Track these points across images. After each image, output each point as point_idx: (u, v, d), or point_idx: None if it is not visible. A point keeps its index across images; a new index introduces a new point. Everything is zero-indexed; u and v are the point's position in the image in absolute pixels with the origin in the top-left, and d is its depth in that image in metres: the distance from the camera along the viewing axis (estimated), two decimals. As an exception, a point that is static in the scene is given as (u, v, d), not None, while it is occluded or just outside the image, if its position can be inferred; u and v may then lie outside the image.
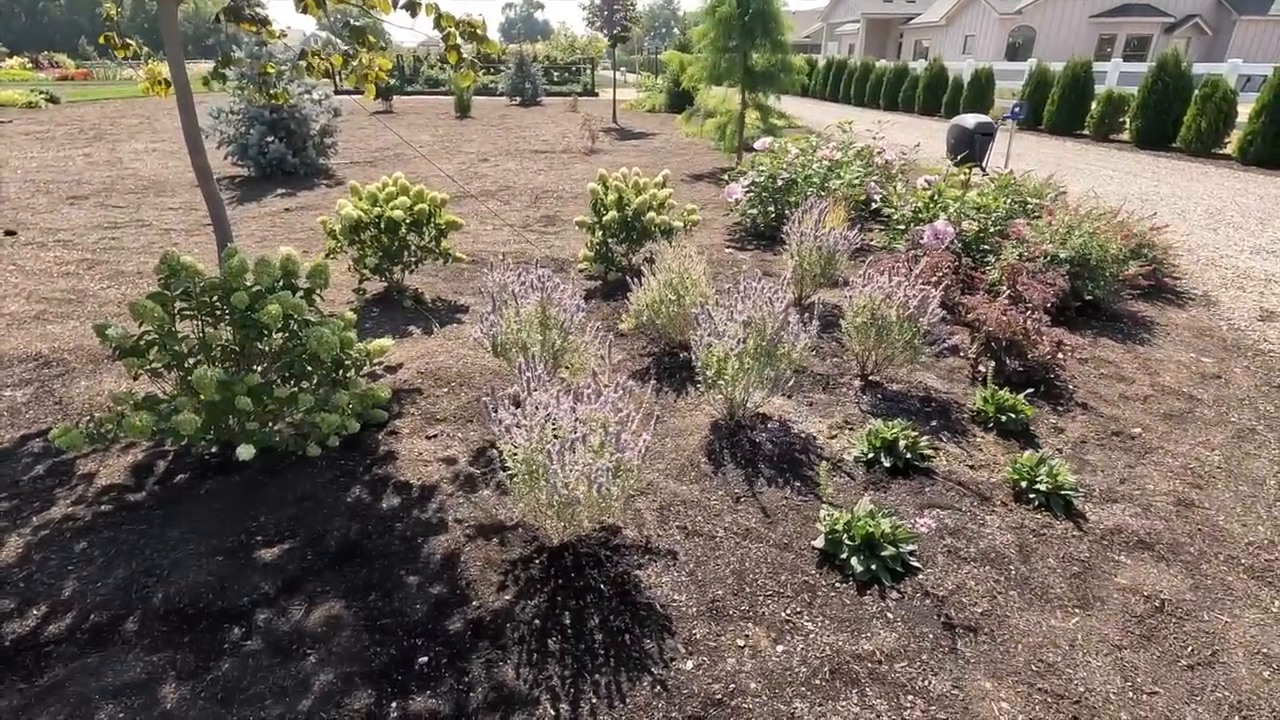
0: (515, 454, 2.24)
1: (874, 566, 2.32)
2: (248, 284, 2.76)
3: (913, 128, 15.85)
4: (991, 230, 5.17)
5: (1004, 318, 3.73)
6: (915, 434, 3.00)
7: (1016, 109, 8.45)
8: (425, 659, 2.01)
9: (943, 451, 3.05)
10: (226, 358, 2.77)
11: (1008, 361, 3.64)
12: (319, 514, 2.61)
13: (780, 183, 6.46)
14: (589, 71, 31.08)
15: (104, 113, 18.11)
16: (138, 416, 2.34)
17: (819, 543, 2.44)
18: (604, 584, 2.29)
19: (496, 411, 2.31)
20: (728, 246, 6.35)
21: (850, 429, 3.23)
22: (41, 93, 20.23)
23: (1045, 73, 15.70)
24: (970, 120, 8.34)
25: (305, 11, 3.44)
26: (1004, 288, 4.33)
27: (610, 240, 5.15)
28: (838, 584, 2.31)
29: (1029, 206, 5.60)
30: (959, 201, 5.45)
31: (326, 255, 4.59)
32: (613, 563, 2.39)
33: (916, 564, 2.37)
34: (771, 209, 6.44)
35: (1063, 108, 14.86)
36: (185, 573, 2.30)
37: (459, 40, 3.13)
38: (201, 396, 2.59)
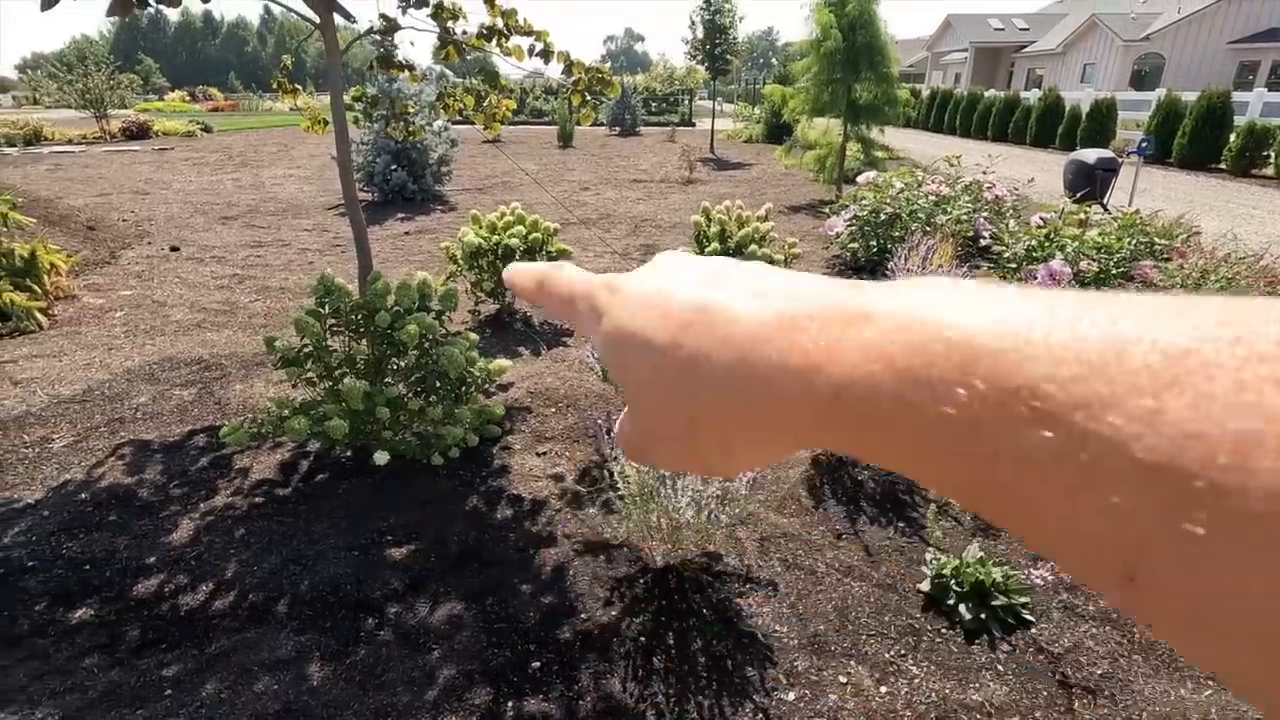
0: (629, 475, 2.36)
1: (983, 616, 2.27)
2: (389, 305, 3.05)
3: (1025, 161, 15.21)
4: (1114, 272, 4.92)
5: (1128, 365, 3.55)
6: (1028, 482, 2.90)
7: (1143, 144, 8.00)
8: (538, 664, 2.13)
9: (1058, 502, 2.94)
10: (367, 370, 3.05)
11: (1131, 412, 3.46)
12: (441, 519, 2.81)
13: (883, 217, 6.40)
14: (686, 102, 31.67)
15: (248, 141, 20.10)
16: (296, 420, 2.63)
17: (925, 586, 2.41)
18: (706, 608, 2.36)
19: (610, 434, 2.44)
20: (827, 280, 6.32)
21: (957, 472, 3.16)
22: (198, 123, 22.70)
23: (1175, 103, 14.72)
24: (1090, 155, 7.96)
25: (446, 58, 3.79)
26: (1127, 333, 4.11)
27: (711, 271, 5.26)
28: (944, 630, 2.27)
29: (1156, 248, 5.28)
30: (1077, 240, 5.22)
31: (447, 278, 4.94)
32: (714, 588, 2.46)
33: (1029, 617, 2.30)
34: (874, 243, 6.37)
35: (1196, 140, 13.87)
36: (327, 564, 2.55)
37: (585, 85, 3.36)
38: (345, 404, 2.87)
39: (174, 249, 7.44)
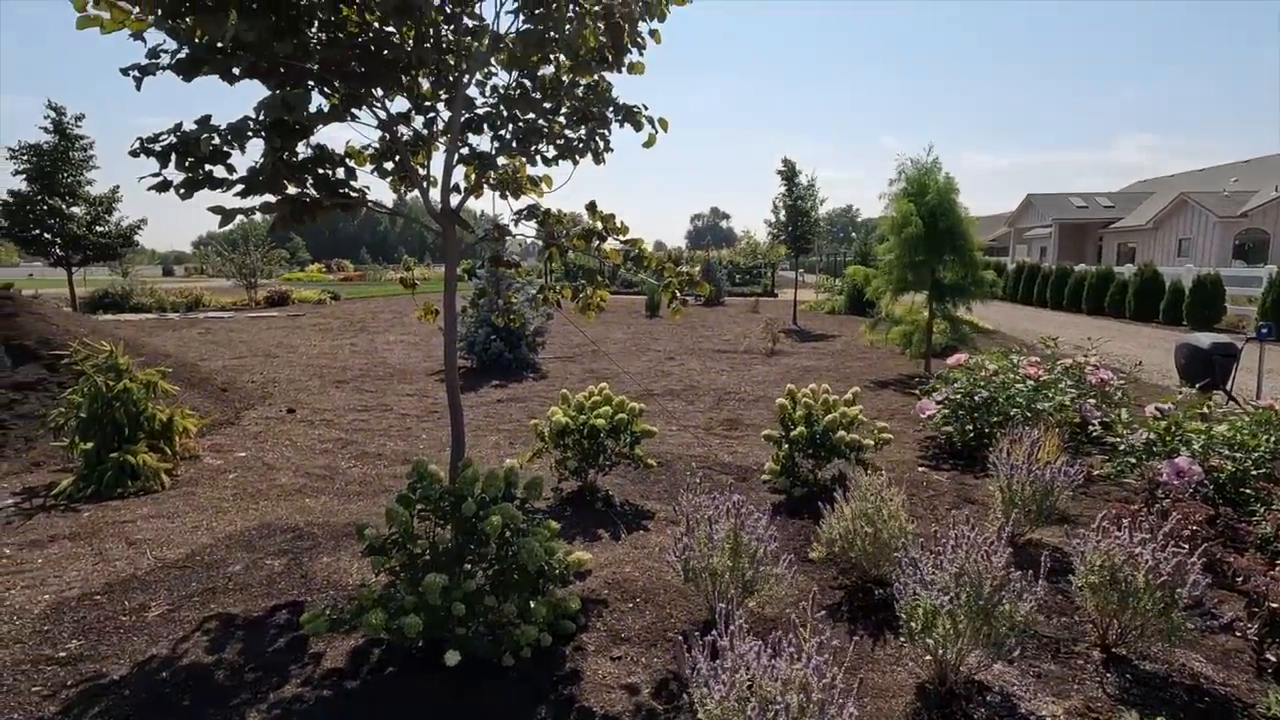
0: (710, 709, 2.14)
1: None
2: (476, 493, 3.10)
3: (1126, 336, 14.64)
4: (1254, 472, 4.43)
5: (1293, 593, 3.06)
6: (1189, 743, 2.43)
7: (1263, 329, 7.53)
8: None
9: (1232, 773, 2.43)
10: (447, 559, 3.04)
11: (1308, 653, 2.93)
12: (506, 733, 2.62)
13: (978, 399, 6.16)
14: (769, 274, 33.10)
15: (368, 308, 22.32)
16: (374, 614, 2.61)
17: None
18: None
19: (690, 651, 2.26)
20: (920, 464, 6.03)
21: None
22: (328, 292, 25.60)
23: (1290, 280, 14.07)
24: (1204, 340, 7.54)
25: (550, 260, 4.15)
26: (1284, 548, 3.61)
27: (797, 454, 5.14)
28: None
29: (1300, 445, 4.76)
30: (1204, 435, 4.79)
31: (533, 455, 5.05)
32: None
33: None
34: (970, 427, 6.10)
35: (1321, 318, 13.02)
36: (384, 780, 2.38)
37: (677, 285, 3.57)
38: (423, 596, 2.84)
39: (290, 411, 8.07)
